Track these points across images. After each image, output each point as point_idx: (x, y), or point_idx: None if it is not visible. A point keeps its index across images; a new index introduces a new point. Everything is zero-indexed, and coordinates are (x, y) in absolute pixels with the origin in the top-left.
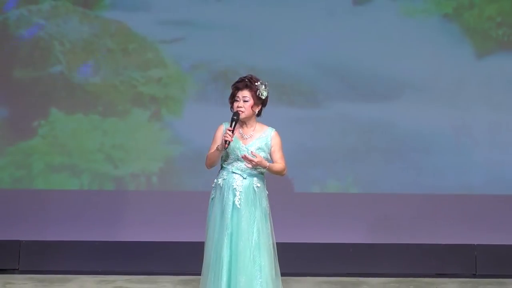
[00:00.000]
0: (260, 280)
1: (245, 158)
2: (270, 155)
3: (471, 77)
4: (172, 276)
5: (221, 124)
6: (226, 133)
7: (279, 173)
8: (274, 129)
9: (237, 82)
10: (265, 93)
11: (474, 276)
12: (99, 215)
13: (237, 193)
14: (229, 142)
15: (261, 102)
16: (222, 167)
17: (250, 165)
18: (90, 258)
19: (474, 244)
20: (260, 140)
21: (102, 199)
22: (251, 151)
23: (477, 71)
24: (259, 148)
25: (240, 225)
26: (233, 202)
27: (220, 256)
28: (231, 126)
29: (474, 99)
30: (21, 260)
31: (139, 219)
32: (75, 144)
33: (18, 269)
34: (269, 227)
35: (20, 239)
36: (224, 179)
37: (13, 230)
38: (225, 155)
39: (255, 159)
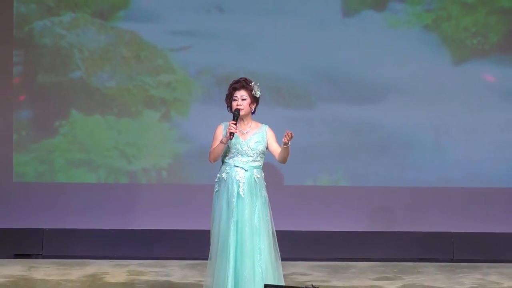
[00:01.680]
0: (260, 262)
1: (289, 136)
2: (268, 147)
3: (449, 82)
4: (180, 260)
5: (220, 124)
6: (230, 126)
7: (287, 156)
8: (267, 125)
9: (234, 83)
10: (259, 93)
11: (452, 260)
12: (114, 205)
13: (241, 184)
14: (233, 133)
15: (256, 100)
16: (224, 162)
17: (288, 139)
18: (106, 244)
19: (451, 232)
20: (257, 135)
21: (117, 191)
22: (286, 130)
23: (454, 77)
24: (257, 142)
25: (244, 212)
26: (238, 192)
27: (227, 242)
28: (233, 119)
29: (452, 102)
30: (44, 246)
31: (150, 209)
32: (93, 142)
33: (41, 254)
34: (268, 214)
35: (43, 227)
36: (227, 173)
37: (37, 219)
38: (226, 150)
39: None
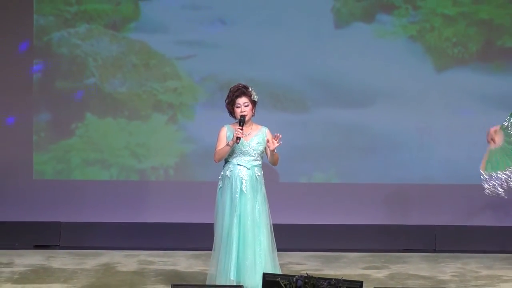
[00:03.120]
0: (260, 252)
1: (275, 138)
2: (266, 148)
3: (431, 88)
4: (186, 251)
5: (223, 126)
6: (237, 131)
7: (277, 160)
8: (267, 127)
9: (235, 91)
10: (256, 96)
11: (434, 251)
12: (126, 201)
13: (244, 181)
14: (240, 138)
15: (255, 104)
16: (227, 161)
17: (274, 145)
18: (118, 236)
19: (434, 225)
20: (257, 136)
21: (128, 188)
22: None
23: (436, 83)
24: (258, 143)
25: (246, 207)
26: (241, 188)
27: (230, 234)
28: (240, 125)
29: (435, 106)
30: (61, 238)
31: (159, 204)
32: (106, 143)
33: (59, 245)
34: (267, 209)
35: (60, 221)
36: (231, 171)
37: (55, 213)
38: (230, 150)
39: (278, 143)
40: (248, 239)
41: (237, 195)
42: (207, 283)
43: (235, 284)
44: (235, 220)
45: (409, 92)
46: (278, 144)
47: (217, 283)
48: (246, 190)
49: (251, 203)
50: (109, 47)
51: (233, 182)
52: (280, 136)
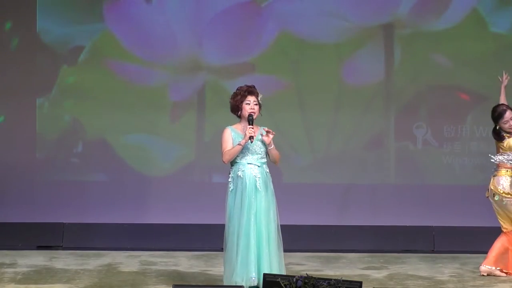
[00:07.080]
0: (268, 249)
1: (268, 132)
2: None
3: (430, 95)
4: (187, 252)
5: (226, 127)
6: (249, 130)
7: (277, 157)
8: (263, 127)
9: (247, 87)
10: (261, 101)
11: (433, 252)
12: (128, 202)
13: (257, 179)
14: (253, 136)
15: (260, 106)
16: (235, 163)
17: (269, 138)
18: (120, 237)
19: (432, 226)
20: (259, 135)
21: (130, 189)
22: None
23: (434, 91)
24: (259, 140)
25: (261, 204)
26: (255, 186)
27: (248, 232)
28: (249, 124)
29: (432, 108)
30: (64, 239)
31: (160, 205)
32: (109, 144)
33: (62, 246)
34: (275, 205)
35: (63, 222)
36: (242, 171)
37: (58, 214)
38: None
39: (272, 134)
40: (263, 236)
41: (252, 193)
42: (224, 283)
43: (256, 282)
44: (252, 218)
45: (407, 95)
46: (272, 135)
47: (233, 283)
48: (260, 187)
49: (264, 199)
50: None
51: (247, 181)
52: (271, 131)
